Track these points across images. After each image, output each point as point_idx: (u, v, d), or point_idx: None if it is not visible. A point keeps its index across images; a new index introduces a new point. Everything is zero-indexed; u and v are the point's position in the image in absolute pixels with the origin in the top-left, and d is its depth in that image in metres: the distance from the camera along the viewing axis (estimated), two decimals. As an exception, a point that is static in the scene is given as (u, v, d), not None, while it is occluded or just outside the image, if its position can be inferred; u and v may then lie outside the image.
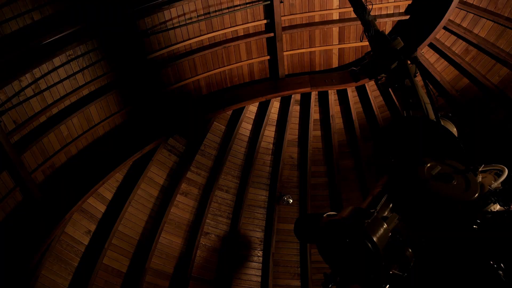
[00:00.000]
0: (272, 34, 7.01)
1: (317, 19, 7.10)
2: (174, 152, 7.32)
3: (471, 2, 6.49)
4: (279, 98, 7.80)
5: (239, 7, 6.58)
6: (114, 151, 6.56)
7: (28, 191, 5.75)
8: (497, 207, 1.94)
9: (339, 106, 7.86)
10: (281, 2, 6.66)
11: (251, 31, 7.01)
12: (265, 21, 6.89)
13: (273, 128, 7.93)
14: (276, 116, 7.94)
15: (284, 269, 7.55)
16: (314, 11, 6.95)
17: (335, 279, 1.62)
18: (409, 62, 2.85)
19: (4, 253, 5.45)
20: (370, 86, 7.59)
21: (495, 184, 2.10)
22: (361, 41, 7.18)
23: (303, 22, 7.11)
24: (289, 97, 7.69)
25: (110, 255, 6.53)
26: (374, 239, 1.52)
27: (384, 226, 1.61)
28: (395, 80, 2.82)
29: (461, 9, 6.58)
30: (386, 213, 1.79)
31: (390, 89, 3.01)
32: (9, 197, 5.63)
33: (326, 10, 6.98)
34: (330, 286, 1.62)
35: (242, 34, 7.00)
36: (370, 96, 7.58)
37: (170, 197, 7.11)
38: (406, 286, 1.62)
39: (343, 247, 1.58)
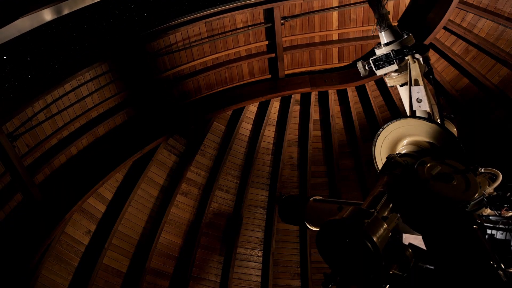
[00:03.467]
0: (273, 55, 7.22)
1: (317, 40, 7.32)
2: (174, 152, 7.33)
3: (471, 2, 6.49)
4: (279, 98, 7.80)
5: (241, 30, 6.82)
6: (114, 151, 6.56)
7: (28, 191, 5.75)
8: (487, 211, 1.93)
9: (339, 106, 7.86)
10: (282, 24, 6.85)
11: (253, 52, 7.26)
12: (266, 42, 7.15)
13: (273, 128, 7.93)
14: (276, 116, 7.94)
15: (284, 269, 7.55)
16: (314, 32, 7.18)
17: (335, 279, 1.62)
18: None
19: (4, 253, 5.45)
20: (370, 86, 7.60)
21: (489, 189, 2.06)
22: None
23: (304, 43, 7.33)
24: (289, 97, 7.69)
25: (110, 255, 6.53)
26: (374, 239, 1.52)
27: (384, 226, 1.61)
28: (403, 78, 2.78)
29: (461, 9, 6.58)
30: (386, 213, 1.79)
31: (397, 86, 2.95)
32: (9, 197, 5.64)
33: (326, 31, 7.18)
34: (330, 286, 1.62)
35: (245, 54, 7.22)
36: (370, 96, 7.58)
37: (170, 197, 7.11)
38: (406, 286, 1.62)
39: (343, 247, 1.58)
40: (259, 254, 7.57)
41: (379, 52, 2.87)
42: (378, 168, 2.62)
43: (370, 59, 2.84)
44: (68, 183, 6.18)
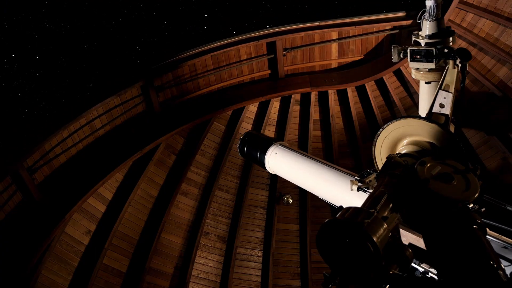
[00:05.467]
0: None
1: (317, 69, 7.71)
2: (174, 152, 7.33)
3: (471, 2, 6.49)
4: (279, 98, 7.81)
5: (246, 61, 7.23)
6: (114, 151, 6.56)
7: (28, 191, 5.76)
8: None
9: (339, 106, 7.87)
10: (284, 55, 7.25)
11: (256, 79, 7.65)
12: (269, 71, 7.57)
13: (273, 128, 7.93)
14: (276, 116, 7.94)
15: (284, 269, 7.55)
16: (315, 62, 7.57)
17: (335, 279, 1.62)
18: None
19: (4, 253, 5.45)
20: (370, 86, 7.60)
21: None
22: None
23: (305, 71, 7.70)
24: (289, 97, 7.70)
25: (110, 255, 6.52)
26: (374, 239, 1.52)
27: (384, 226, 1.61)
28: (432, 76, 2.63)
29: (461, 9, 6.58)
30: (386, 213, 1.79)
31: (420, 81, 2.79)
32: (9, 197, 5.64)
33: (326, 60, 7.59)
34: (330, 286, 1.62)
35: (248, 81, 7.63)
36: (370, 96, 7.59)
37: (170, 197, 7.11)
38: (406, 286, 1.62)
39: (343, 247, 1.58)
40: (259, 254, 7.57)
41: (420, 41, 2.65)
42: (378, 168, 2.61)
43: (409, 48, 2.63)
44: (68, 183, 6.18)
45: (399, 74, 7.51)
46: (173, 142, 7.30)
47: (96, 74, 16.38)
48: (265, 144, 3.14)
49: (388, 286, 1.56)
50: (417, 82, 7.30)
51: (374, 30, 7.28)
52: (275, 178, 7.75)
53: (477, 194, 1.85)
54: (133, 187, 6.76)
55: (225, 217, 7.58)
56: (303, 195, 7.73)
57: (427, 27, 2.66)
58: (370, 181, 2.42)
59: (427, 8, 2.65)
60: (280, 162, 3.05)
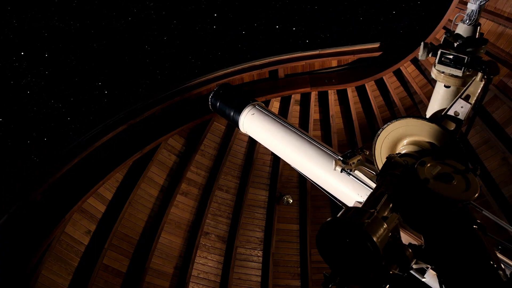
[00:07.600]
0: None
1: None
2: (174, 152, 7.33)
3: (471, 2, 6.49)
4: (279, 98, 7.80)
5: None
6: (114, 151, 6.56)
7: (28, 191, 5.76)
8: None
9: (339, 106, 7.87)
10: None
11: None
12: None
13: (273, 128, 7.92)
14: (276, 116, 7.94)
15: (284, 269, 7.55)
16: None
17: (335, 279, 1.62)
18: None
19: (4, 253, 5.45)
20: (370, 86, 7.60)
21: None
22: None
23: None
24: (289, 97, 7.69)
25: (110, 255, 6.52)
26: (374, 239, 1.52)
27: (384, 226, 1.61)
28: (454, 81, 2.57)
29: (461, 9, 6.58)
30: (386, 213, 1.79)
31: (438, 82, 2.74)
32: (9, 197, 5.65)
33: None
34: (330, 286, 1.62)
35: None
36: (370, 96, 7.59)
37: (170, 197, 7.11)
38: (406, 286, 1.62)
39: (343, 247, 1.58)
40: (259, 254, 7.57)
41: (453, 41, 2.53)
42: (378, 168, 2.61)
43: (441, 50, 2.49)
44: (68, 183, 6.18)
45: (399, 74, 7.51)
46: (173, 142, 7.30)
47: (105, 73, 16.47)
48: (241, 102, 3.00)
49: (388, 286, 1.56)
50: (416, 82, 7.31)
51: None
52: (275, 178, 7.75)
53: (477, 194, 1.84)
54: (133, 187, 6.76)
55: (225, 217, 7.58)
56: (303, 195, 7.73)
57: (462, 30, 2.58)
58: (354, 163, 2.41)
59: (468, 11, 2.51)
60: (257, 126, 2.92)
